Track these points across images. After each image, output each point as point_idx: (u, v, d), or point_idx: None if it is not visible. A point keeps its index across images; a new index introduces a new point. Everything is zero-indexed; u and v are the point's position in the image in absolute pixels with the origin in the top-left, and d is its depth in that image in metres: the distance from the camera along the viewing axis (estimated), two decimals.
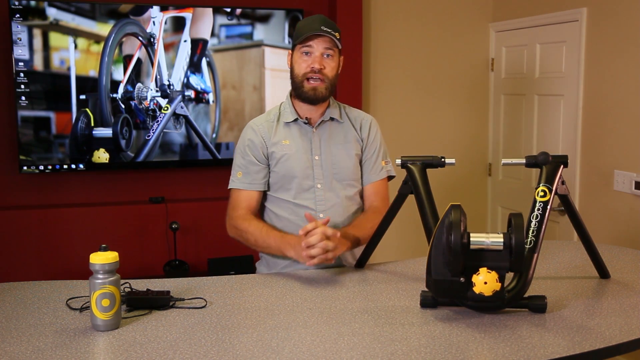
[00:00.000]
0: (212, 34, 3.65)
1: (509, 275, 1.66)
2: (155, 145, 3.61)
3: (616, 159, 3.19)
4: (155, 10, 3.54)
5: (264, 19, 3.71)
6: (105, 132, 3.52)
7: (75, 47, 3.45)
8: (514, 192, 4.04)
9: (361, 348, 1.45)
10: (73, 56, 3.45)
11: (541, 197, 1.76)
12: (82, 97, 3.47)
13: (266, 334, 1.53)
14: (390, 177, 2.28)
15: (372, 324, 1.60)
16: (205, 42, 3.64)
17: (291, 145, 2.14)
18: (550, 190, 1.77)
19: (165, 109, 3.60)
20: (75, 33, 3.44)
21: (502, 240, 1.61)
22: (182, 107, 3.63)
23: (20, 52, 3.36)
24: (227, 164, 2.24)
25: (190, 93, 3.65)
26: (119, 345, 1.47)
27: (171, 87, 3.60)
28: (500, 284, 1.58)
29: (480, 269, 1.58)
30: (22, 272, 3.45)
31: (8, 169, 3.53)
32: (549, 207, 1.75)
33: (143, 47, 3.55)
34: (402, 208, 1.98)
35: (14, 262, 3.48)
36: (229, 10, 3.65)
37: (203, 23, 3.63)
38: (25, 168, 3.43)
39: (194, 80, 3.65)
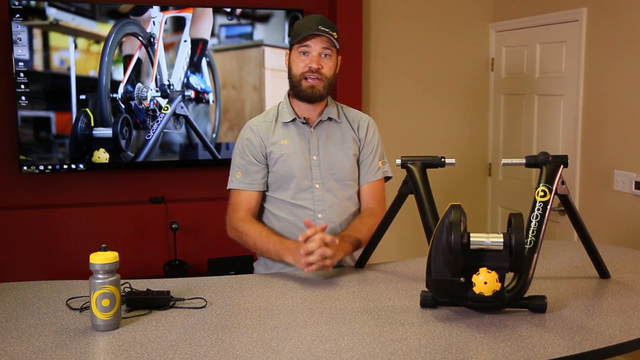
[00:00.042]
0: (212, 34, 3.65)
1: (509, 275, 1.66)
2: (155, 145, 3.61)
3: (616, 159, 3.19)
4: (155, 10, 3.54)
5: (264, 19, 3.71)
6: (105, 132, 3.52)
7: (75, 47, 3.45)
8: (514, 192, 4.04)
9: (361, 348, 1.45)
10: (73, 56, 3.45)
11: (541, 197, 1.76)
12: (82, 97, 3.47)
13: (266, 334, 1.53)
14: (387, 178, 2.27)
15: (372, 324, 1.60)
16: (205, 42, 3.64)
17: (289, 145, 2.14)
18: (550, 190, 1.78)
19: (165, 109, 3.60)
20: (75, 33, 3.44)
21: (502, 240, 1.61)
22: (182, 107, 3.63)
23: (20, 52, 3.36)
24: (227, 164, 2.24)
25: (190, 93, 3.65)
26: (119, 345, 1.47)
27: (171, 87, 3.60)
28: (500, 284, 1.58)
29: (480, 269, 1.58)
30: (22, 272, 3.45)
31: (8, 169, 3.53)
32: (549, 207, 1.75)
33: (143, 47, 3.55)
34: (402, 208, 1.98)
35: (14, 262, 3.48)
36: (229, 10, 3.65)
37: (203, 23, 3.63)
38: (25, 168, 3.43)
39: (194, 80, 3.65)
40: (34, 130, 3.43)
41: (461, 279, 1.59)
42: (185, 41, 3.61)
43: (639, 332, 1.53)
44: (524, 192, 3.89)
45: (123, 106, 3.54)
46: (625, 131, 3.13)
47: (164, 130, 3.62)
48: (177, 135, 3.65)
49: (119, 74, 3.52)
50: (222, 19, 3.65)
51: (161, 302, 1.70)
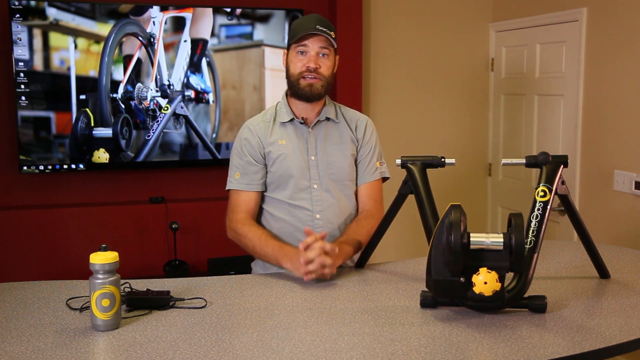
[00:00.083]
0: (212, 34, 3.65)
1: (509, 275, 1.66)
2: (155, 145, 3.61)
3: (616, 159, 3.19)
4: (155, 10, 3.54)
5: (264, 19, 3.71)
6: (105, 132, 3.52)
7: (75, 47, 3.45)
8: (514, 192, 4.04)
9: (361, 348, 1.45)
10: (73, 56, 3.45)
11: (541, 197, 1.76)
12: (82, 97, 3.47)
13: (266, 334, 1.53)
14: (384, 179, 2.27)
15: (372, 324, 1.60)
16: (205, 42, 3.64)
17: (287, 145, 2.13)
18: (550, 190, 1.78)
19: (165, 109, 3.60)
20: (75, 33, 3.44)
21: (502, 240, 1.61)
22: (182, 107, 3.63)
23: (20, 52, 3.36)
24: (227, 163, 2.24)
25: (190, 93, 3.65)
26: (119, 345, 1.47)
27: (171, 87, 3.60)
28: (500, 284, 1.58)
29: (480, 269, 1.58)
30: (22, 272, 3.45)
31: (8, 169, 3.53)
32: (549, 207, 1.75)
33: (143, 47, 3.55)
34: (402, 208, 1.98)
35: (14, 262, 3.48)
36: (229, 10, 3.65)
37: (203, 23, 3.63)
38: (25, 168, 3.43)
39: (194, 80, 3.65)
40: (34, 130, 3.43)
41: (461, 279, 1.59)
42: (185, 41, 3.61)
43: (639, 332, 1.53)
44: (524, 192, 3.89)
45: (123, 106, 3.54)
46: (625, 131, 3.13)
47: (164, 130, 3.62)
48: (177, 135, 3.65)
49: (119, 74, 3.52)
50: (222, 19, 3.65)
51: (161, 302, 1.70)
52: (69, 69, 3.44)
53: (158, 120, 3.60)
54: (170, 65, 3.60)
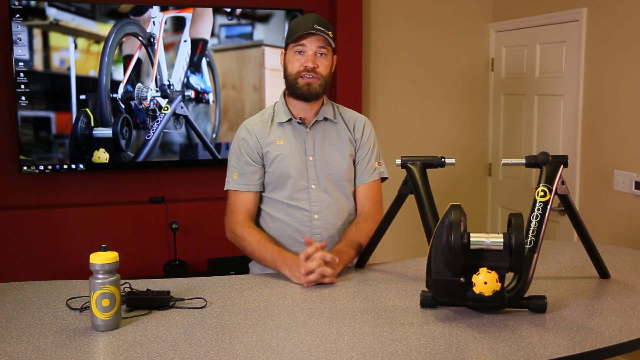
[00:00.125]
0: (212, 34, 3.65)
1: (509, 275, 1.66)
2: (155, 145, 3.61)
3: (616, 159, 3.19)
4: (155, 10, 3.54)
5: (264, 19, 3.71)
6: (105, 132, 3.52)
7: (75, 47, 3.45)
8: (514, 192, 4.04)
9: (361, 348, 1.45)
10: (73, 56, 3.45)
11: (541, 197, 1.76)
12: (82, 97, 3.47)
13: (266, 334, 1.53)
14: (383, 179, 2.26)
15: (372, 324, 1.60)
16: (205, 42, 3.64)
17: (285, 146, 2.12)
18: (550, 190, 1.78)
19: (165, 109, 3.60)
20: (75, 33, 3.44)
21: (502, 240, 1.61)
22: (182, 107, 3.63)
23: (20, 52, 3.36)
24: (227, 164, 2.24)
25: (190, 93, 3.65)
26: (119, 345, 1.47)
27: (171, 87, 3.60)
28: (500, 284, 1.58)
29: (480, 269, 1.58)
30: (22, 272, 3.45)
31: (8, 169, 3.53)
32: (549, 207, 1.75)
33: (143, 47, 3.55)
34: (402, 208, 1.98)
35: (14, 262, 3.48)
36: (229, 10, 3.65)
37: (203, 23, 3.63)
38: (25, 168, 3.43)
39: (194, 80, 3.65)
40: (34, 130, 3.43)
41: (461, 279, 1.59)
42: (185, 41, 3.61)
43: (639, 332, 1.53)
44: (524, 192, 3.89)
45: (123, 106, 3.54)
46: (625, 131, 3.13)
47: (164, 130, 3.62)
48: (177, 135, 3.65)
49: (119, 74, 3.52)
50: (222, 19, 3.65)
51: (161, 302, 1.70)
52: (69, 69, 3.44)
53: (158, 120, 3.60)
54: (170, 65, 3.60)
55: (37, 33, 3.38)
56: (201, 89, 3.67)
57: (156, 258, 3.65)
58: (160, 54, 3.57)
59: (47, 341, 1.48)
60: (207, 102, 3.69)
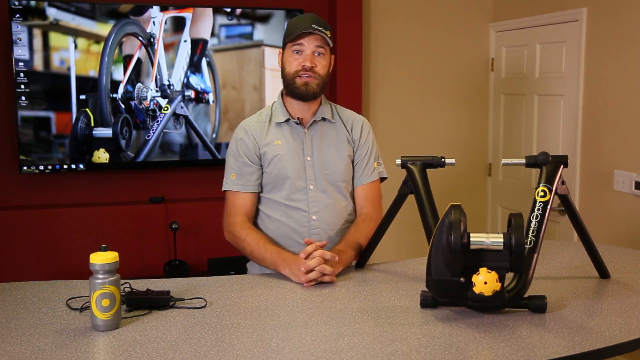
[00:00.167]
0: (212, 34, 3.65)
1: (509, 275, 1.66)
2: (155, 145, 3.61)
3: (616, 159, 3.19)
4: (155, 10, 3.54)
5: (264, 19, 3.71)
6: (105, 132, 3.52)
7: (75, 47, 3.45)
8: (514, 192, 4.04)
9: (361, 348, 1.45)
10: (73, 56, 3.45)
11: (541, 197, 1.76)
12: (82, 97, 3.47)
13: (266, 334, 1.53)
14: (382, 179, 2.26)
15: (372, 324, 1.60)
16: (205, 42, 3.64)
17: (283, 146, 2.12)
18: (550, 190, 1.78)
19: (165, 109, 3.60)
20: (75, 33, 3.44)
21: (502, 240, 1.61)
22: (182, 107, 3.63)
23: (20, 52, 3.36)
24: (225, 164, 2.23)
25: (190, 93, 3.65)
26: (119, 345, 1.47)
27: (171, 87, 3.60)
28: (500, 284, 1.58)
29: (480, 269, 1.58)
30: (22, 272, 3.45)
31: (8, 169, 3.53)
32: (549, 207, 1.75)
33: (143, 47, 3.55)
34: (402, 208, 1.98)
35: (14, 262, 3.48)
36: (229, 10, 3.65)
37: (203, 23, 3.63)
38: (25, 168, 3.43)
39: (194, 80, 3.65)
40: (34, 130, 3.43)
41: (461, 279, 1.59)
42: (185, 41, 3.61)
43: (639, 332, 1.53)
44: (524, 192, 3.89)
45: (123, 106, 3.54)
46: (625, 131, 3.13)
47: (164, 130, 3.62)
48: (177, 135, 3.65)
49: (119, 74, 3.52)
50: (222, 19, 3.65)
51: (161, 302, 1.70)
52: (69, 69, 3.44)
53: (158, 120, 3.60)
54: (170, 65, 3.60)
55: (37, 33, 3.38)
56: (201, 89, 3.67)
57: (156, 258, 3.65)
58: (160, 54, 3.57)
59: (47, 341, 1.48)
60: (207, 102, 3.69)
